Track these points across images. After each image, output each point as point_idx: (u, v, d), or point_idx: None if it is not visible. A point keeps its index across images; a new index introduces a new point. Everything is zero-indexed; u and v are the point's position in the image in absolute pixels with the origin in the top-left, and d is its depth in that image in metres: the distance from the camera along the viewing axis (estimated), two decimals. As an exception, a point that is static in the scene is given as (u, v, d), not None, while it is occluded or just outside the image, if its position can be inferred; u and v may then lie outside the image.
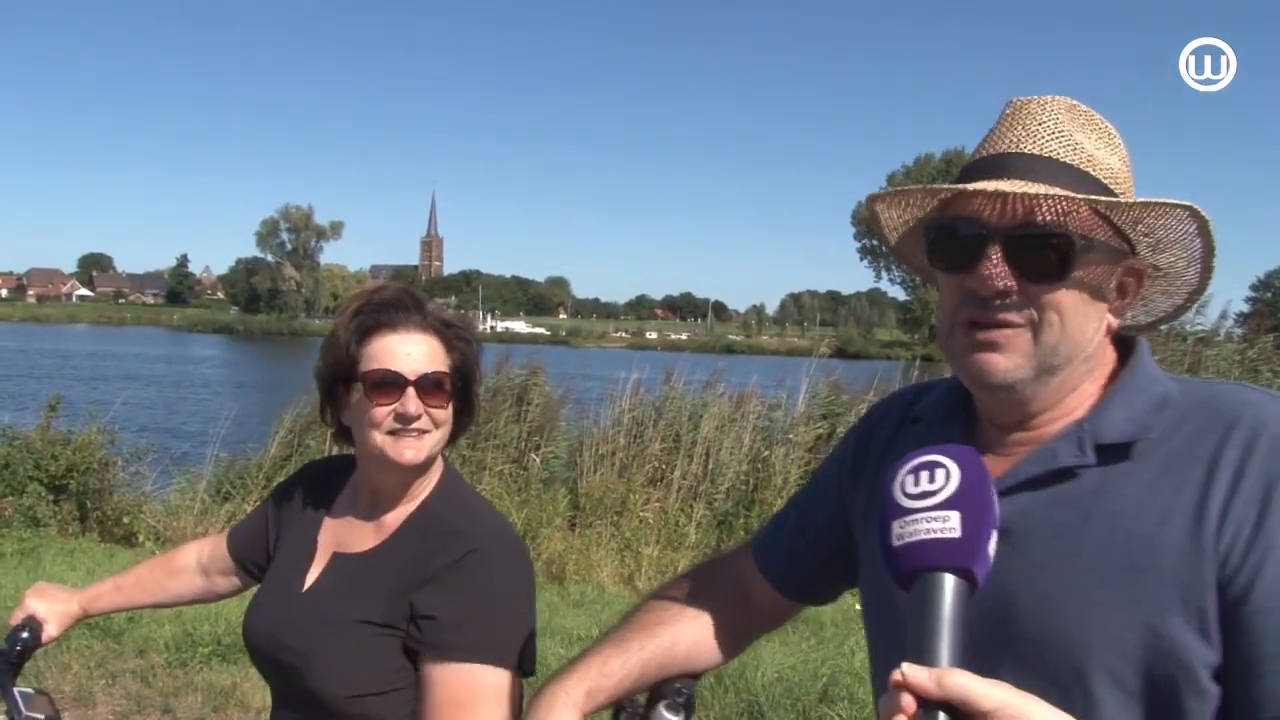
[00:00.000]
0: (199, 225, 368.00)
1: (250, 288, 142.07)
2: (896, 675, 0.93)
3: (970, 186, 1.22)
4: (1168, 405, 1.23)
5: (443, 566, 1.80)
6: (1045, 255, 1.21)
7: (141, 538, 9.53)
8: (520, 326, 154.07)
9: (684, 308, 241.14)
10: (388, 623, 1.81)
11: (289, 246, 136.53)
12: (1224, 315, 11.65)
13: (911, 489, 1.03)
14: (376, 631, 1.82)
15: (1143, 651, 1.12)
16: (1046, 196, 1.20)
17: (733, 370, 12.90)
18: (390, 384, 1.84)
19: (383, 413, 1.84)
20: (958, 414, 1.41)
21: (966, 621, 0.97)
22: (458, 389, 1.93)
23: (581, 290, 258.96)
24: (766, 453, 10.78)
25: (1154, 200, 1.23)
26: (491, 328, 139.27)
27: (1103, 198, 1.22)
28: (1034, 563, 1.20)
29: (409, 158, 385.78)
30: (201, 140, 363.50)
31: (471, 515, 1.90)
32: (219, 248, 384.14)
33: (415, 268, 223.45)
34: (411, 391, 1.84)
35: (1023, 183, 1.21)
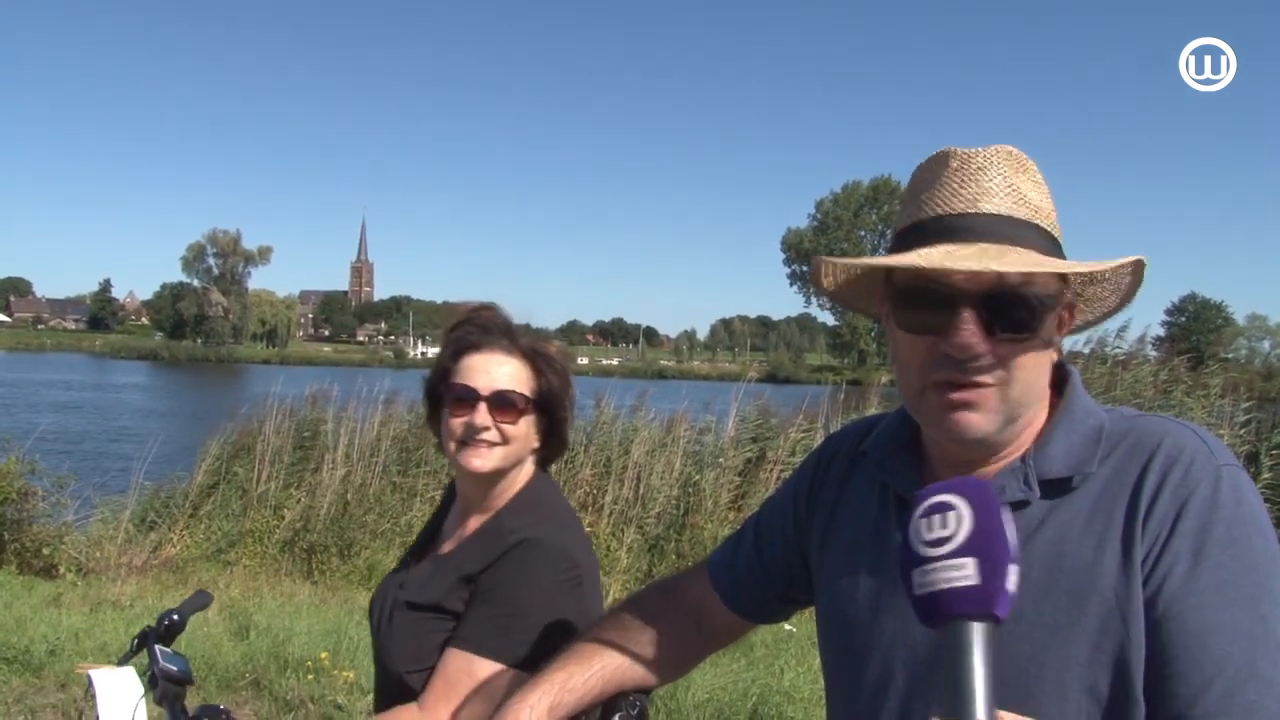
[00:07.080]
0: (123, 249, 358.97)
1: (176, 313, 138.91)
2: None
3: (959, 266, 1.23)
4: (1102, 437, 1.32)
5: (482, 567, 1.97)
6: (1015, 317, 1.27)
7: (63, 569, 9.32)
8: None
9: (615, 333, 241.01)
10: (431, 605, 1.99)
11: (216, 271, 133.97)
12: (1142, 339, 12.10)
13: (927, 535, 1.04)
14: (421, 616, 2.00)
15: (1088, 668, 1.21)
16: (1025, 270, 1.24)
17: (664, 395, 12.95)
18: (465, 398, 2.00)
19: (457, 424, 2.01)
20: (906, 449, 1.47)
21: (992, 659, 0.99)
22: (541, 411, 2.07)
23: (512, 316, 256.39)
24: (697, 477, 10.84)
25: (1116, 264, 1.31)
26: (423, 354, 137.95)
27: (1080, 267, 1.29)
28: None
29: (339, 182, 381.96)
30: (126, 162, 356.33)
31: (531, 521, 2.02)
32: (144, 273, 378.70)
33: (345, 293, 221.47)
34: (483, 405, 1.99)
35: (995, 247, 1.26)
